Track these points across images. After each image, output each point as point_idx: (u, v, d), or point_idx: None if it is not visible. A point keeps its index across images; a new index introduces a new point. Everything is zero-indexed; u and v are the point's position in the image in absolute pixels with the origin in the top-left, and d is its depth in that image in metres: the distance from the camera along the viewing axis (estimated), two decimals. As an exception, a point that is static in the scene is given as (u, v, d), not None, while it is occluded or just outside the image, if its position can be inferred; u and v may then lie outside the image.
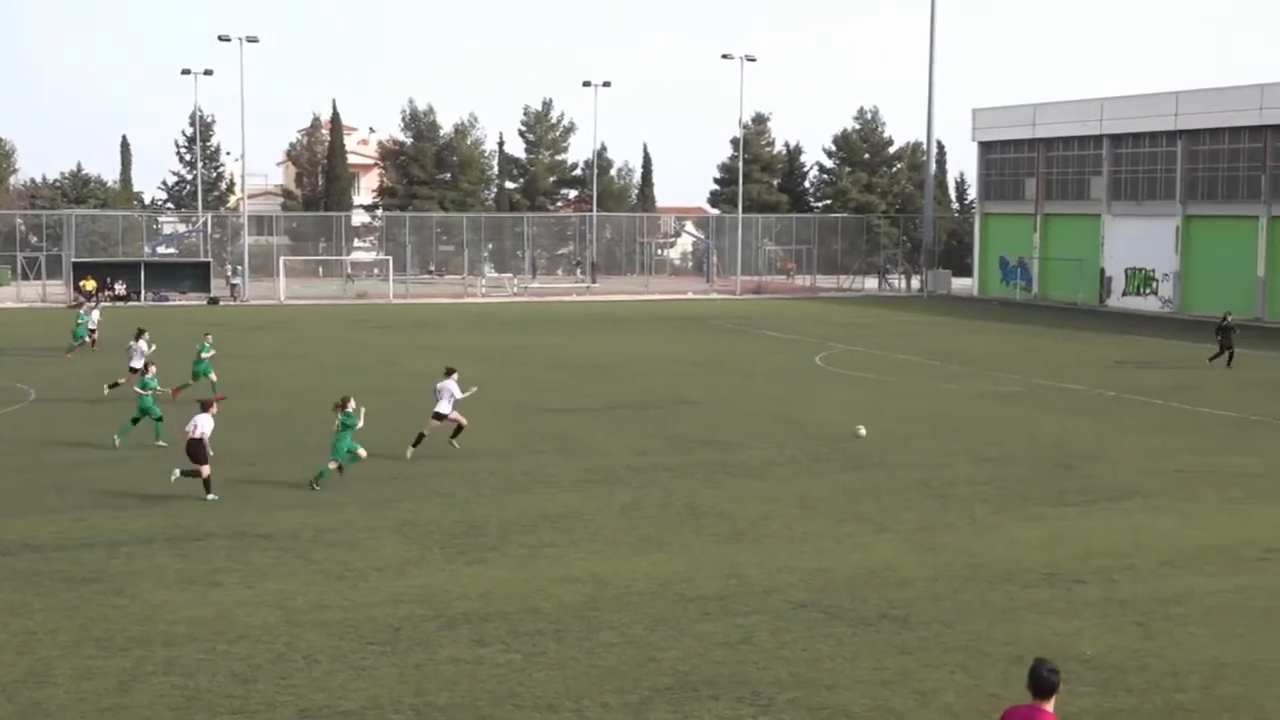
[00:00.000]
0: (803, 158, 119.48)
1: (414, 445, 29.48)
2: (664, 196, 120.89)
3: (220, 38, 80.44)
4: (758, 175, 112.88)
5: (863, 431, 31.88)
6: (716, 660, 16.39)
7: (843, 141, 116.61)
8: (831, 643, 17.14)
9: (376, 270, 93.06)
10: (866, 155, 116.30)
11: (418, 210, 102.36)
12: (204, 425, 25.58)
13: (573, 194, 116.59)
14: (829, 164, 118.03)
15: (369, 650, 16.70)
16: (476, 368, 46.12)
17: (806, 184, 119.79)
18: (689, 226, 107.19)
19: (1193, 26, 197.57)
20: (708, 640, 17.15)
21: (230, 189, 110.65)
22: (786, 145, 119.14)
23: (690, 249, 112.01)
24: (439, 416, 29.67)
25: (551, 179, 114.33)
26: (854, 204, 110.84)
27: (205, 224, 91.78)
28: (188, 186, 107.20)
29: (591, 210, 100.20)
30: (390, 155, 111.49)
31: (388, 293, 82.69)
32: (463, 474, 27.69)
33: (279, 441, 31.21)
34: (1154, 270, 77.91)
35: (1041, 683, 10.32)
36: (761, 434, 33.20)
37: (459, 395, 29.82)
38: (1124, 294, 79.73)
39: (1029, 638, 17.39)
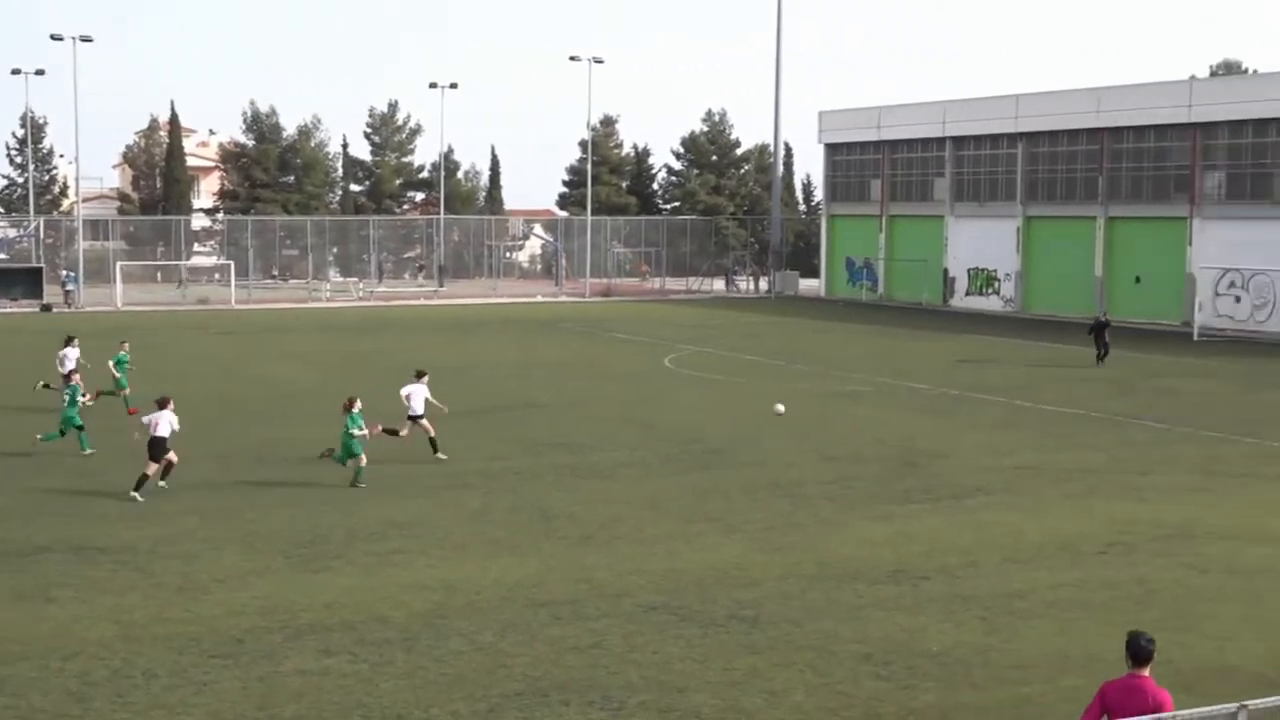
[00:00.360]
0: (651, 160, 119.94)
1: (385, 431, 29.46)
2: (512, 199, 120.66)
3: (53, 37, 78.30)
4: (606, 177, 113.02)
5: (781, 409, 32.00)
6: (567, 665, 16.37)
7: (691, 144, 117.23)
8: (682, 644, 17.21)
9: (218, 275, 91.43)
10: (715, 157, 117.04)
11: (260, 214, 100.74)
12: (165, 422, 26.00)
13: (420, 196, 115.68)
14: (677, 166, 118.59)
15: (211, 664, 16.38)
16: (323, 374, 45.51)
17: (655, 186, 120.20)
18: (538, 229, 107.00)
19: (1033, 31, 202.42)
20: (558, 645, 17.12)
21: (64, 192, 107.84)
22: (635, 147, 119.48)
23: (539, 251, 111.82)
24: (413, 419, 29.73)
25: (398, 181, 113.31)
26: (702, 206, 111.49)
27: (37, 228, 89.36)
28: (19, 190, 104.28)
29: (439, 213, 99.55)
30: (231, 157, 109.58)
31: (229, 298, 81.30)
32: (308, 481, 27.30)
33: (113, 452, 30.48)
34: (996, 270, 79.66)
35: (1140, 652, 10.96)
36: (612, 436, 33.25)
37: (428, 399, 29.92)
38: (967, 294, 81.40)
39: (876, 635, 17.65)
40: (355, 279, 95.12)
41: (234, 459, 29.14)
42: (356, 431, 27.01)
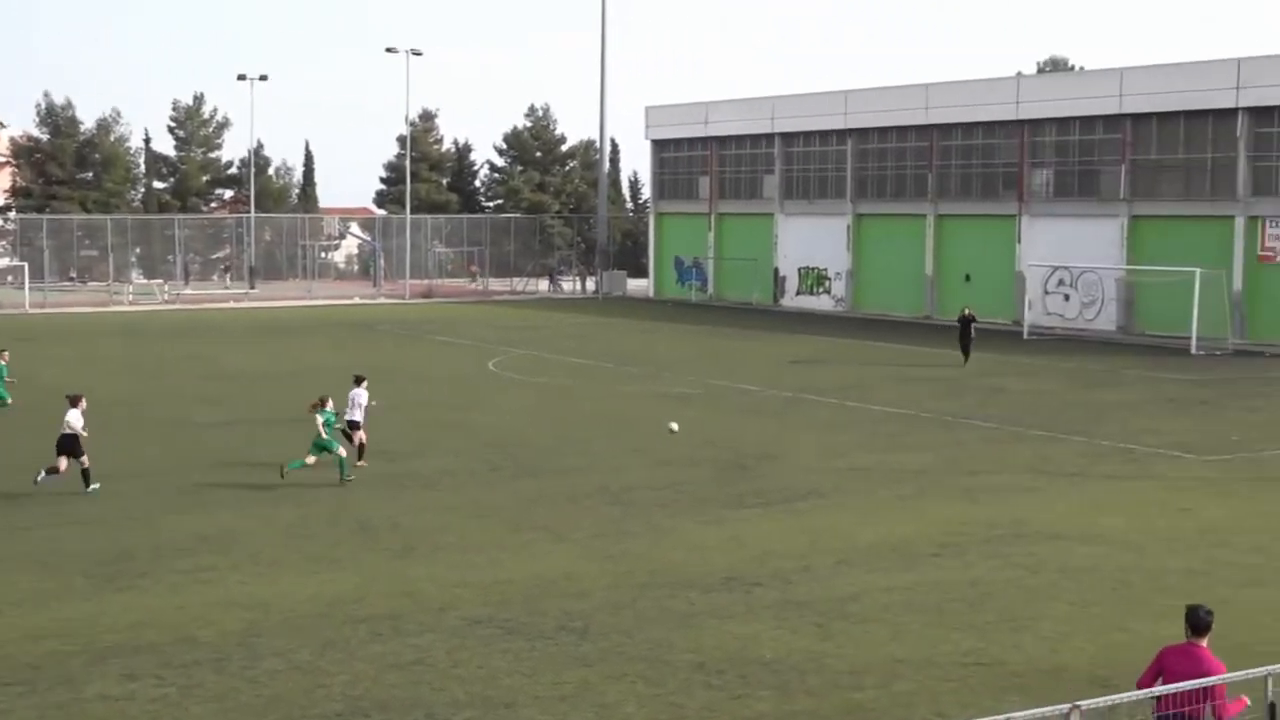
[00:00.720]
0: (473, 156, 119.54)
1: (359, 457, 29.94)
2: (328, 197, 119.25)
3: None
4: (426, 174, 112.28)
5: (675, 428, 32.06)
6: (389, 683, 16.21)
7: (514, 139, 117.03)
8: (509, 658, 17.15)
9: (11, 278, 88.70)
10: (539, 154, 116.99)
11: (56, 212, 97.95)
12: (75, 420, 26.97)
13: (228, 194, 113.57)
14: (500, 163, 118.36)
15: (5, 692, 15.88)
16: (125, 381, 44.45)
17: (477, 183, 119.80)
18: (354, 228, 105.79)
19: (862, 27, 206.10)
20: (380, 662, 16.95)
21: None
22: (455, 143, 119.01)
23: (356, 251, 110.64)
24: (354, 425, 30.20)
25: (205, 178, 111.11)
26: (526, 204, 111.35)
27: None
28: None
29: (249, 211, 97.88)
30: (24, 152, 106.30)
31: (23, 301, 78.93)
32: (109, 496, 26.64)
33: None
34: (826, 269, 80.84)
35: (1199, 622, 12.16)
36: (434, 443, 33.04)
37: (364, 404, 30.47)
38: (798, 293, 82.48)
39: (710, 643, 17.78)
40: (160, 281, 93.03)
41: (29, 473, 28.27)
42: (325, 431, 28.04)
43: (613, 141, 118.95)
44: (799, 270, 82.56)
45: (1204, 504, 26.81)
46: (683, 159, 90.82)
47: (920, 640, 17.97)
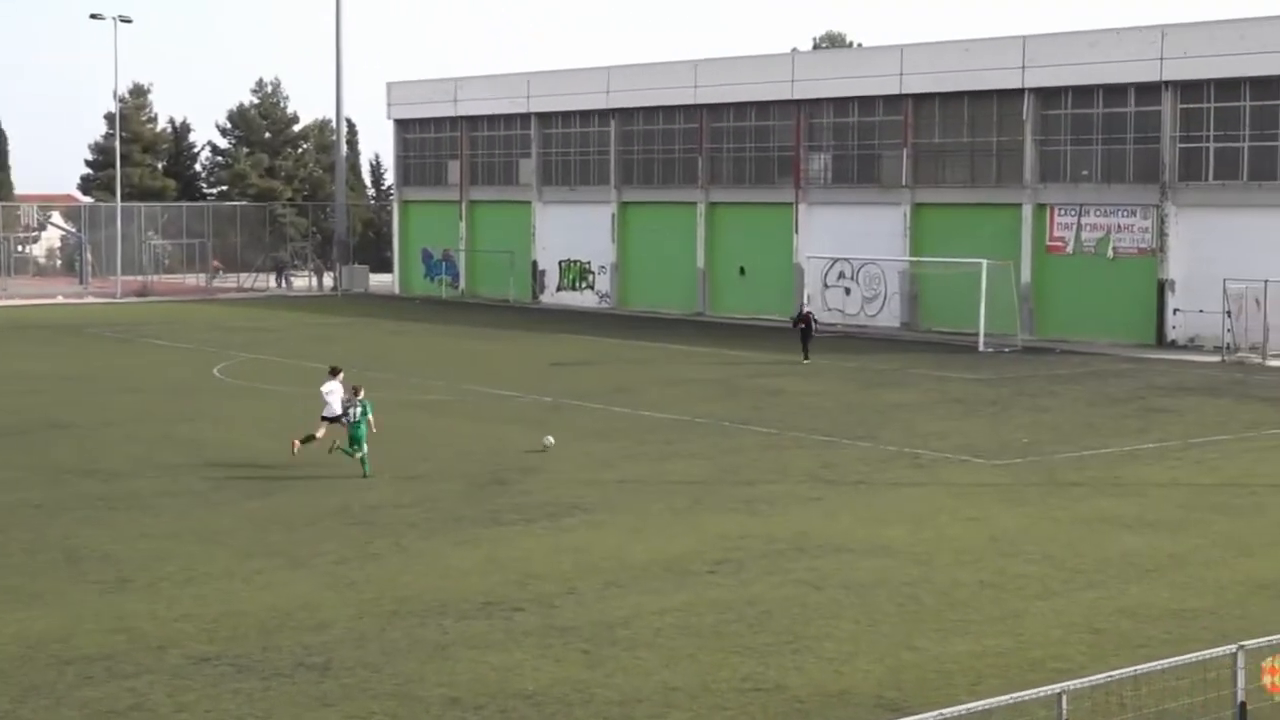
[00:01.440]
0: (192, 136, 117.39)
1: (302, 442, 31.66)
2: (25, 182, 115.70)
3: None
4: (139, 157, 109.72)
5: (550, 441, 32.09)
6: (102, 732, 15.79)
7: (239, 118, 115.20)
8: (240, 700, 16.86)
9: None
10: (268, 134, 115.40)
11: None
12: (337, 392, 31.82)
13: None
14: (224, 144, 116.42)
15: None
16: None
17: (198, 167, 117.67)
18: (56, 218, 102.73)
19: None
20: (91, 708, 16.51)
21: None
22: (172, 122, 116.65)
23: (59, 244, 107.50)
24: (330, 419, 32.01)
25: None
26: (255, 190, 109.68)
27: None
28: None
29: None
30: None
31: None
32: None
33: None
34: (590, 262, 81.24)
35: None
36: (152, 460, 32.31)
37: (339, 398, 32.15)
38: (559, 289, 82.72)
39: (465, 676, 17.72)
40: None
41: None
42: (371, 419, 31.07)
43: (350, 121, 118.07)
44: (560, 264, 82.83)
45: (994, 511, 27.67)
46: (429, 141, 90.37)
47: (695, 666, 18.18)
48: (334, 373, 33.26)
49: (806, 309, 54.60)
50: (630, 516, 26.97)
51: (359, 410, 31.01)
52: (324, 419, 32.29)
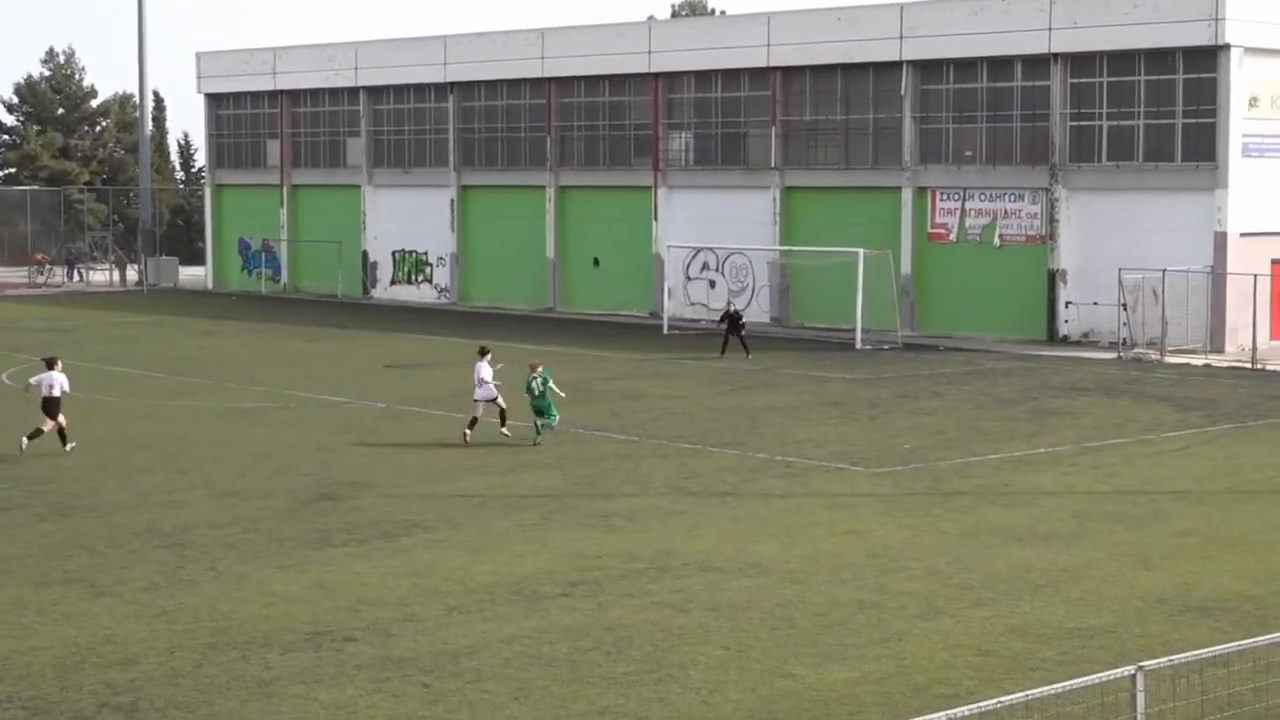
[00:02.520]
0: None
1: (470, 429, 36.35)
2: None
3: None
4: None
5: (506, 433, 35.48)
6: (-122, 786, 15.49)
7: (28, 92, 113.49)
8: (37, 747, 16.61)
9: None
10: (61, 110, 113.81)
11: None
12: (56, 383, 34.63)
13: None
14: (11, 121, 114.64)
15: None
16: None
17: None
18: None
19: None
20: None
21: None
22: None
23: None
24: (487, 401, 36.44)
25: None
26: (47, 173, 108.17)
27: None
28: None
29: None
30: None
31: None
32: None
33: None
34: (427, 253, 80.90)
35: None
36: (-69, 479, 31.74)
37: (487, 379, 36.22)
38: (393, 283, 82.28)
39: (291, 715, 17.60)
40: None
41: None
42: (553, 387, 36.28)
43: (157, 95, 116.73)
44: (394, 255, 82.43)
45: (874, 524, 27.98)
46: (246, 118, 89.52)
47: (548, 699, 18.19)
48: (483, 353, 37.16)
49: (733, 308, 56.77)
50: (474, 534, 26.93)
51: (540, 381, 35.83)
52: (477, 401, 36.52)
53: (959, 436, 38.02)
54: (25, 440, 34.18)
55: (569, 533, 27.06)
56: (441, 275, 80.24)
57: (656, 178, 71.58)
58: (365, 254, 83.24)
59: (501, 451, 35.35)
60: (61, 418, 34.79)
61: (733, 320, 54.93)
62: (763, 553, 25.53)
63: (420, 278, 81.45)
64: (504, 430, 36.36)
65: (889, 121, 64.98)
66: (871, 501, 30.15)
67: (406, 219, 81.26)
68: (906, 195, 64.07)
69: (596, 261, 73.91)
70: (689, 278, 70.20)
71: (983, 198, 62.46)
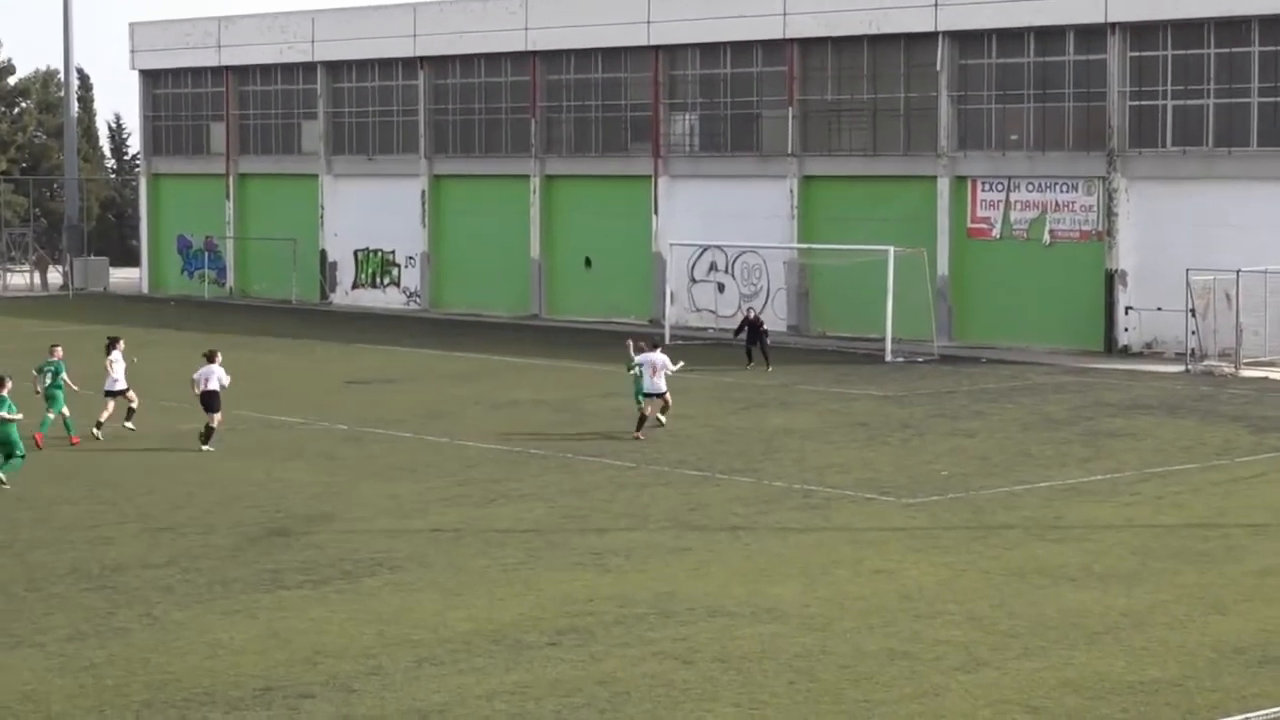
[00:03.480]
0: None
1: (639, 427, 40.84)
2: None
3: None
4: None
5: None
6: None
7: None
8: (-54, 820, 16.55)
9: None
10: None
11: None
12: (214, 377, 38.97)
13: None
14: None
15: None
16: None
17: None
18: None
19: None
20: None
21: None
22: None
23: None
24: (654, 395, 40.86)
25: None
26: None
27: None
28: None
29: None
30: None
31: None
32: None
33: None
34: (394, 252, 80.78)
35: None
36: None
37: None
38: (355, 286, 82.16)
39: (239, 783, 17.55)
40: None
41: None
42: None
43: (83, 73, 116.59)
44: (356, 254, 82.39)
45: (906, 562, 27.91)
46: (186, 98, 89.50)
47: (535, 764, 18.15)
48: (654, 346, 41.78)
49: (752, 313, 57.54)
50: (448, 574, 26.87)
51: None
52: (646, 396, 41.04)
53: (1004, 461, 37.97)
54: (202, 446, 38.92)
55: (557, 573, 26.99)
56: (411, 277, 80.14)
57: (657, 166, 71.49)
58: (323, 253, 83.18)
59: (480, 480, 35.29)
60: (219, 416, 39.27)
61: (753, 327, 55.29)
62: (779, 595, 25.47)
63: (386, 280, 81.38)
64: (660, 417, 41.62)
65: (922, 101, 64.90)
66: (904, 536, 30.10)
67: (371, 213, 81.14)
68: (943, 185, 63.98)
69: (588, 262, 73.84)
70: (694, 280, 70.15)
71: (1030, 188, 62.40)
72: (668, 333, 63.68)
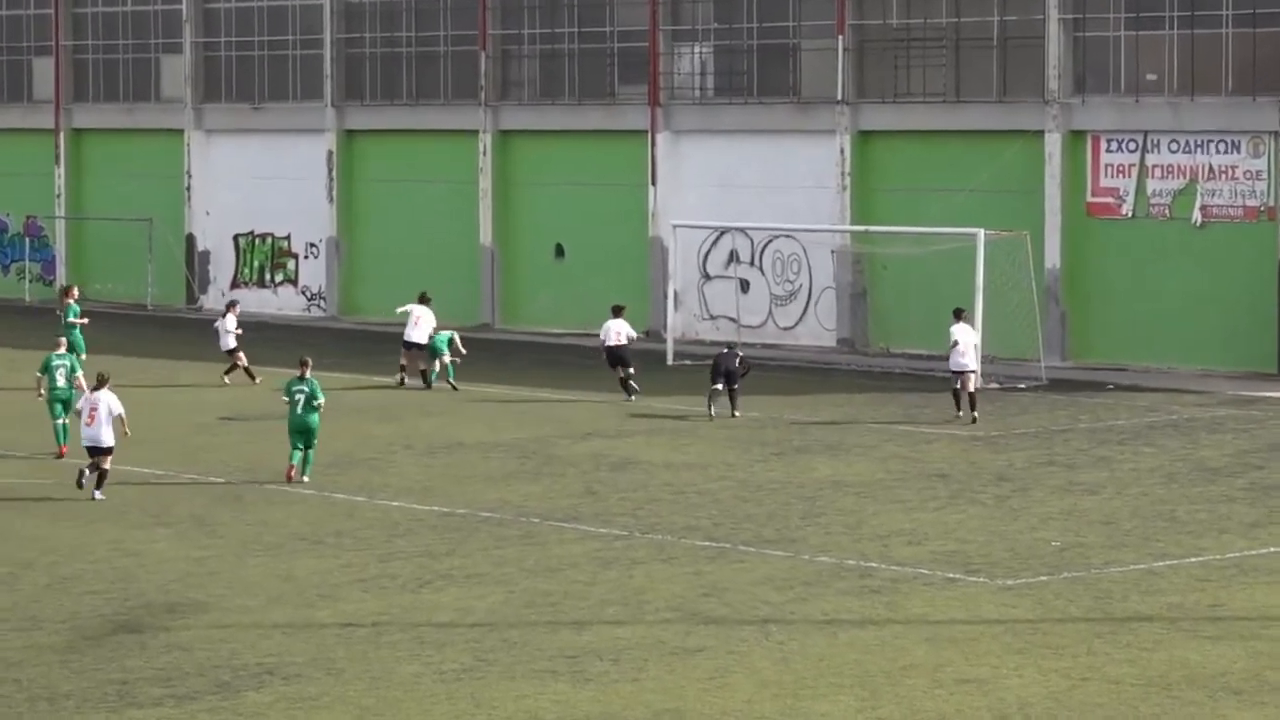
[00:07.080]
0: None
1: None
2: None
3: None
4: None
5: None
6: None
7: None
8: None
9: None
10: None
11: None
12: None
13: None
14: None
15: None
16: None
17: None
18: None
19: None
20: None
21: None
22: None
23: None
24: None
25: None
26: None
27: None
28: None
29: None
30: None
31: None
32: None
33: None
34: (289, 238, 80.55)
35: None
36: None
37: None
38: (236, 285, 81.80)
39: None
40: None
41: None
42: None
43: None
44: (237, 241, 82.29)
45: (1005, 668, 27.85)
46: (0, 25, 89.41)
47: None
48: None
49: (730, 347, 54.44)
50: (365, 687, 26.79)
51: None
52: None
53: (1138, 528, 37.95)
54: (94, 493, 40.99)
55: (517, 683, 26.91)
56: (313, 273, 79.95)
57: (655, 117, 71.27)
58: (191, 239, 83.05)
59: (409, 554, 35.20)
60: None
61: (729, 372, 52.07)
62: (827, 715, 25.42)
63: (279, 277, 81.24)
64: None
65: (1023, 27, 64.80)
66: (1000, 632, 30.04)
67: (257, 183, 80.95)
68: (1053, 143, 63.82)
69: (560, 251, 73.67)
70: (707, 276, 70.01)
71: (1174, 148, 62.26)
72: (670, 349, 63.56)
